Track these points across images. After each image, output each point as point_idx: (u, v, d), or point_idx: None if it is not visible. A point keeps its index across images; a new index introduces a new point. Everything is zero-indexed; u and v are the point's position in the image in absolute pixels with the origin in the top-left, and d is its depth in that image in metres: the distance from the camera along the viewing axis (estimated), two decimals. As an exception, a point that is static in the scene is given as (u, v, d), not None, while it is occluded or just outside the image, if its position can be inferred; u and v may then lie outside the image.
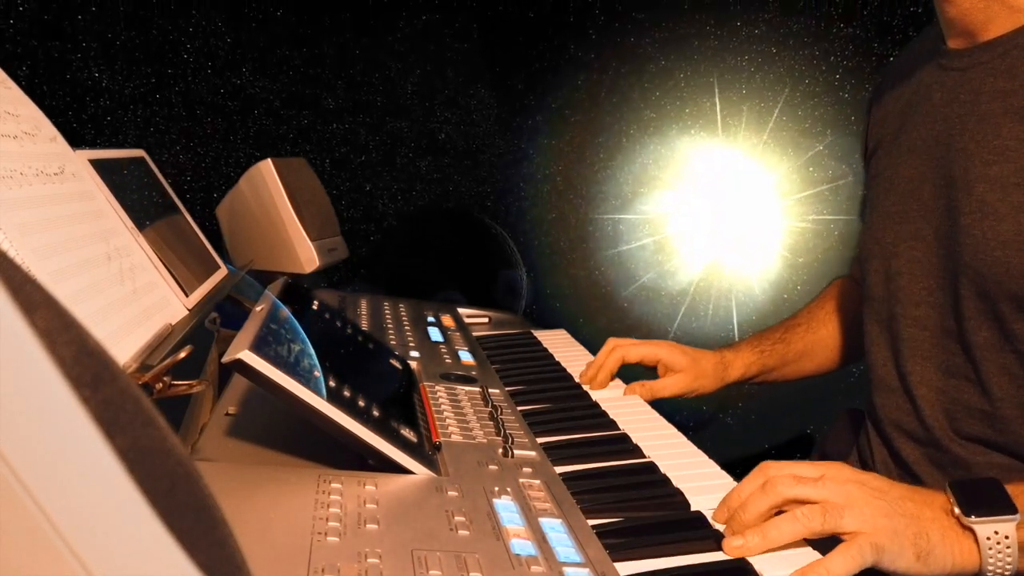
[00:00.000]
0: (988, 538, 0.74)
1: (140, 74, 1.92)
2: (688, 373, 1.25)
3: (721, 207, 2.20)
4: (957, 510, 0.75)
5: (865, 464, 1.14)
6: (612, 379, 1.26)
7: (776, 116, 2.11)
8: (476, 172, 2.23)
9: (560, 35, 2.14)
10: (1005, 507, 0.75)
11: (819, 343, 1.33)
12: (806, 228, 2.15)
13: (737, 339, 1.43)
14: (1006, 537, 0.74)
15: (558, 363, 1.35)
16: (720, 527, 0.77)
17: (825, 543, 0.73)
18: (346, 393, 0.79)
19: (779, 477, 0.76)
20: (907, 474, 1.04)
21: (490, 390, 1.10)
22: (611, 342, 1.27)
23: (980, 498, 0.75)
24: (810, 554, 0.73)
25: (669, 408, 1.15)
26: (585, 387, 1.22)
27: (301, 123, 2.08)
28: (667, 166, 2.19)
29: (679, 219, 2.21)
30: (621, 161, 2.19)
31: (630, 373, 1.29)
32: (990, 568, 0.74)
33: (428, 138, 2.19)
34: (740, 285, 2.19)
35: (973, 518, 0.74)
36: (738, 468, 0.96)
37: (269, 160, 1.54)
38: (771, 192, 2.15)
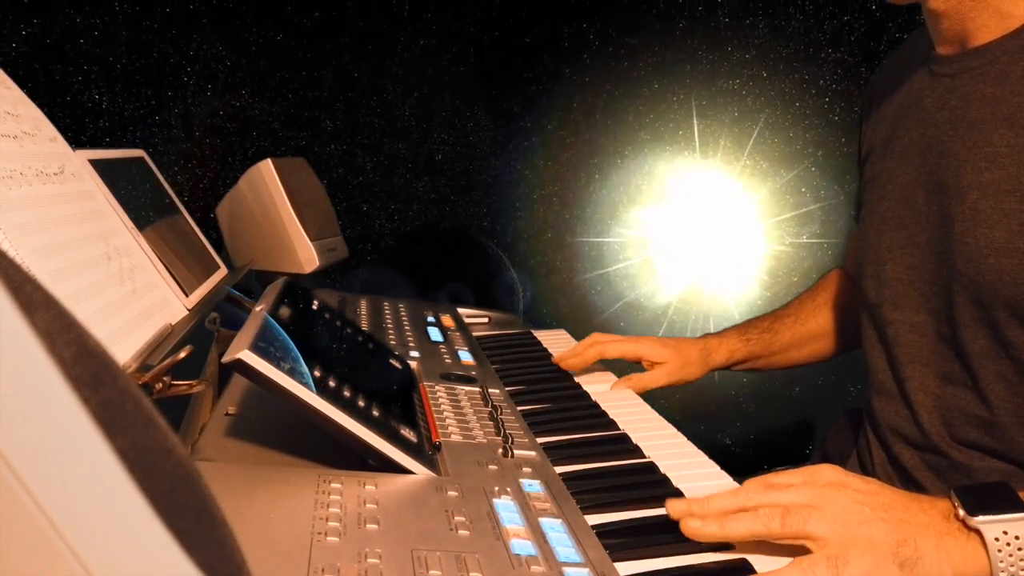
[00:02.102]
0: (996, 539, 0.68)
1: (140, 96, 1.95)
2: (671, 363, 1.28)
3: (714, 227, 2.26)
4: (962, 512, 0.70)
5: (864, 466, 1.14)
6: (592, 369, 1.30)
7: (768, 138, 2.16)
8: (472, 193, 2.27)
9: (555, 60, 2.19)
10: (1014, 505, 0.70)
11: (808, 334, 1.34)
12: (786, 250, 2.19)
13: None
14: (1016, 538, 0.68)
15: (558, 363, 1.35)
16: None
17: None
18: (346, 393, 0.79)
19: (751, 482, 0.74)
20: (905, 478, 1.04)
21: (490, 390, 1.10)
22: (593, 336, 1.30)
23: (986, 499, 0.71)
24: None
25: (669, 408, 1.16)
26: (586, 388, 1.23)
27: (299, 144, 2.12)
28: (662, 187, 2.24)
29: (675, 238, 2.26)
30: (616, 182, 2.24)
31: (621, 369, 1.32)
32: (1003, 574, 0.68)
33: (425, 159, 2.23)
34: (742, 305, 2.22)
35: (979, 518, 0.69)
36: (738, 467, 0.96)
37: (269, 160, 1.53)
38: (763, 213, 2.20)
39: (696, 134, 2.19)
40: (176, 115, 1.99)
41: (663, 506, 0.80)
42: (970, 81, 0.93)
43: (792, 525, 0.69)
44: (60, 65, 1.85)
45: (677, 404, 1.14)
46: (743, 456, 2.19)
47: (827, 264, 2.12)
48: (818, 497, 0.70)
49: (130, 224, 1.00)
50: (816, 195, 2.16)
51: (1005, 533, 0.68)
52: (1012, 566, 0.68)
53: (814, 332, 1.34)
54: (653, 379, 1.27)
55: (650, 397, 1.23)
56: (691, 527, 0.71)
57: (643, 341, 1.30)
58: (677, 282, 2.26)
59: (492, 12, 2.16)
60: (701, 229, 2.25)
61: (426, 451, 0.83)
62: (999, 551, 0.68)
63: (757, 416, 2.19)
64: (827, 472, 0.74)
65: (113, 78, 1.91)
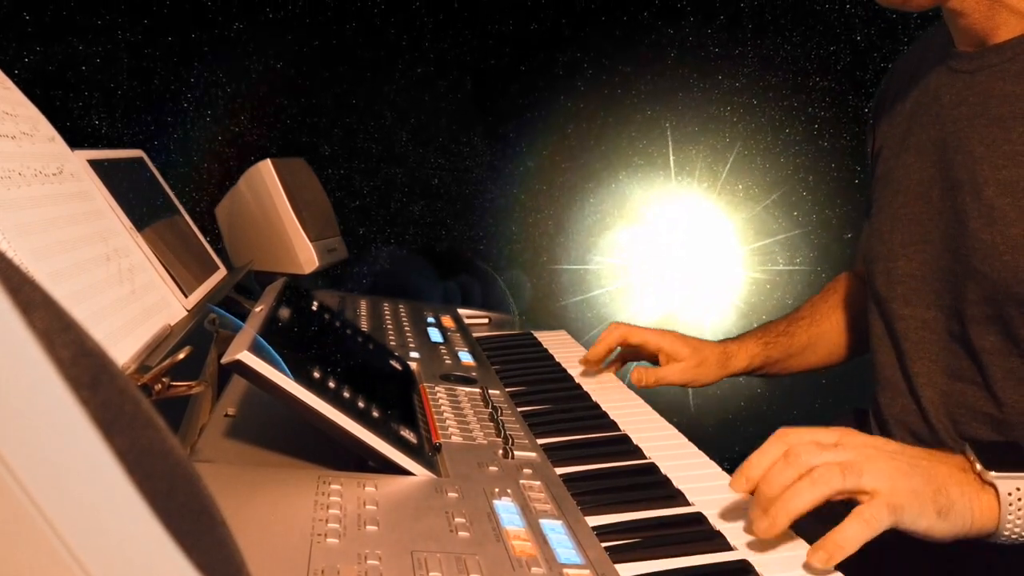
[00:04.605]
0: (1009, 494, 0.72)
1: (140, 122, 1.97)
2: (689, 362, 1.25)
3: (708, 248, 2.29)
4: (979, 466, 0.74)
5: None
6: (610, 366, 1.28)
7: (759, 164, 2.20)
8: (468, 217, 2.30)
9: (550, 87, 2.25)
10: None
11: (823, 336, 1.33)
12: (783, 271, 2.23)
13: None
14: None
15: (558, 364, 1.34)
16: (720, 525, 0.77)
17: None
18: (345, 394, 0.79)
19: (801, 445, 0.74)
20: None
21: (490, 391, 1.10)
22: (614, 325, 1.28)
23: (1002, 455, 0.75)
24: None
25: (670, 409, 1.16)
26: (587, 389, 1.22)
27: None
28: (657, 211, 2.27)
29: (668, 260, 2.30)
30: (611, 206, 2.28)
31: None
32: (1007, 528, 0.73)
33: (422, 184, 2.26)
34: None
35: (994, 473, 0.73)
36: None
37: (268, 160, 1.53)
38: (756, 237, 2.24)
39: (673, 160, 2.23)
40: (175, 140, 2.01)
41: (664, 507, 0.80)
42: (989, 78, 0.93)
43: (850, 480, 0.71)
44: (61, 91, 1.88)
45: (679, 399, 1.14)
46: (745, 456, 2.19)
47: (805, 291, 2.16)
48: (862, 455, 0.73)
49: (129, 224, 1.00)
50: (808, 219, 2.20)
51: (1018, 489, 0.73)
52: (1019, 520, 0.72)
53: (829, 334, 1.33)
54: (666, 374, 1.24)
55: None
56: (763, 527, 0.72)
57: (665, 336, 1.26)
58: (672, 302, 2.29)
59: (488, 40, 2.20)
60: (695, 251, 2.29)
61: (426, 452, 0.83)
62: (1010, 505, 0.72)
63: (759, 415, 2.19)
64: (856, 433, 0.77)
65: (113, 104, 1.95)
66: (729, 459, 0.95)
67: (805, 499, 0.71)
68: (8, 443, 0.25)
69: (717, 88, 2.19)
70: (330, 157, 2.17)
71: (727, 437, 2.16)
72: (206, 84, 2.03)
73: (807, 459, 0.72)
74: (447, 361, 1.23)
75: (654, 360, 1.28)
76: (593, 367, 1.28)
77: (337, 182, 2.18)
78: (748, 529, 0.73)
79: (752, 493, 0.76)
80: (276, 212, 1.53)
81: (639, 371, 1.23)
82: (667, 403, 1.21)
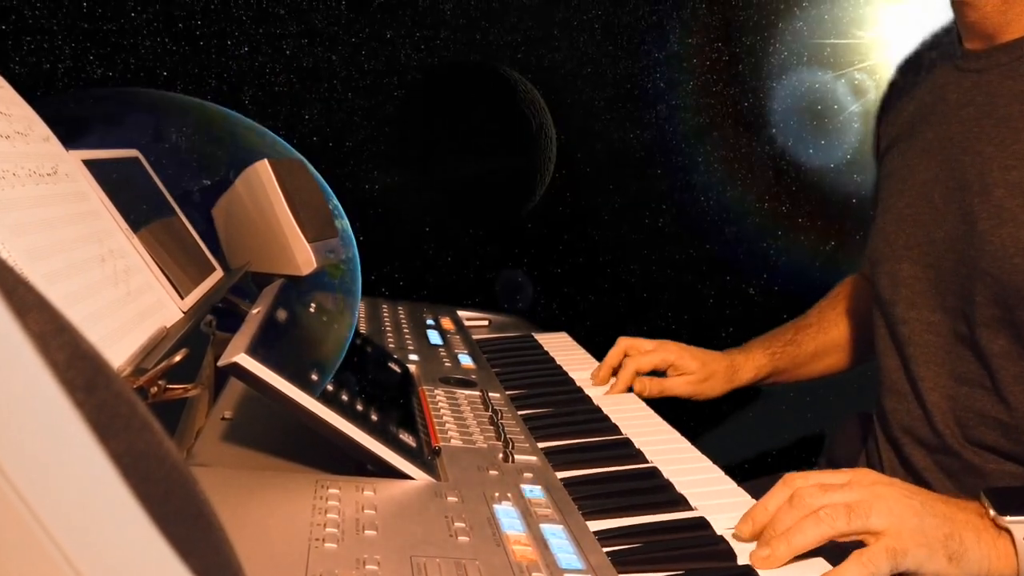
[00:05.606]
0: None
1: None
2: (697, 375, 1.24)
3: (704, 249, 2.33)
4: (992, 512, 0.73)
5: (873, 469, 1.12)
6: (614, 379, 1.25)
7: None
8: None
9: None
10: None
11: (831, 344, 1.31)
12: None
13: None
14: None
15: (559, 366, 1.33)
16: (723, 530, 0.76)
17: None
18: (344, 397, 0.78)
19: (806, 488, 0.73)
20: (916, 480, 1.03)
21: (490, 394, 1.09)
22: (622, 342, 1.25)
23: (1015, 500, 0.74)
24: (823, 565, 0.71)
25: (672, 411, 1.15)
26: (588, 391, 1.21)
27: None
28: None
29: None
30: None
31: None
32: None
33: None
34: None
35: (1008, 518, 0.72)
36: (742, 472, 0.95)
37: (266, 160, 1.52)
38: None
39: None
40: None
41: (666, 512, 0.79)
42: (998, 77, 0.93)
43: (856, 521, 0.70)
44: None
45: (682, 402, 1.13)
46: (747, 459, 2.19)
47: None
48: (871, 494, 0.72)
49: (124, 225, 0.99)
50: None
51: None
52: None
53: (836, 341, 1.31)
54: (672, 386, 1.23)
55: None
56: (762, 557, 0.71)
57: (672, 350, 1.25)
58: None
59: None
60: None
61: (425, 456, 0.82)
62: None
63: (762, 418, 2.19)
64: (868, 472, 0.76)
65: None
66: (732, 463, 0.94)
67: (809, 537, 0.70)
68: (2, 447, 0.24)
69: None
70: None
71: (730, 441, 2.15)
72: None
73: (812, 502, 0.72)
74: (447, 364, 1.23)
75: (662, 373, 1.27)
76: (602, 384, 1.25)
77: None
78: (749, 558, 0.72)
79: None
80: (273, 212, 1.52)
81: (642, 380, 1.22)
82: (669, 406, 1.20)
